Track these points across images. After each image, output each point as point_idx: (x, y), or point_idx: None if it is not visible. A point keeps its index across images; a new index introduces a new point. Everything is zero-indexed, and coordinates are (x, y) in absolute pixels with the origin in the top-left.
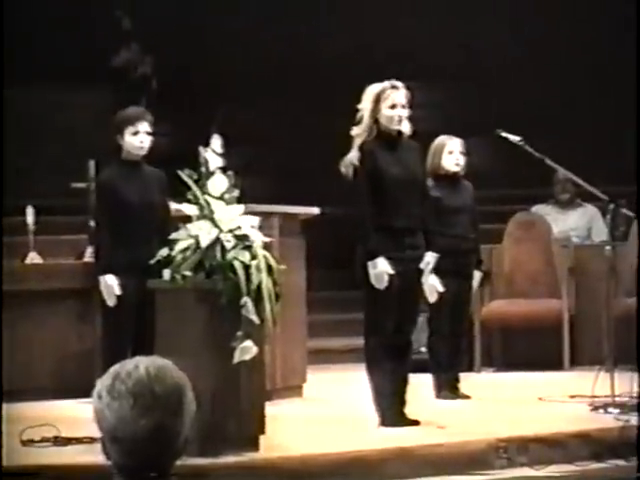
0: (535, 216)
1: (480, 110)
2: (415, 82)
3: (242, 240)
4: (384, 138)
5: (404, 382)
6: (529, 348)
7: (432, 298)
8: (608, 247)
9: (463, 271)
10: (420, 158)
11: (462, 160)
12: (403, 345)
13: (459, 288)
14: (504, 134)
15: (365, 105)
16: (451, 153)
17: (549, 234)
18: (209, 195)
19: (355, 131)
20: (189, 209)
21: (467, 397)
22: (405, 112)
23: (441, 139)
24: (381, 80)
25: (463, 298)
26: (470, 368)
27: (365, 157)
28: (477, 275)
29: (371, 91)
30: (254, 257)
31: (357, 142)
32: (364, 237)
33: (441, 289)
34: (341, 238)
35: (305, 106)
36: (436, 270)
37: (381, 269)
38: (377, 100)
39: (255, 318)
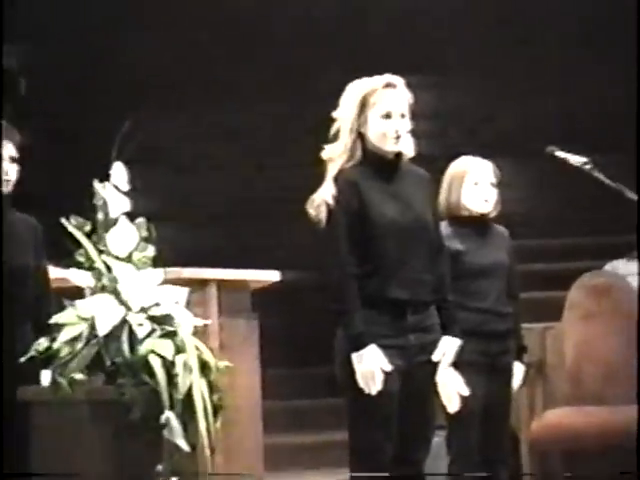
0: (611, 278)
1: (522, 118)
2: (421, 77)
3: (162, 324)
4: (374, 163)
5: None
6: (603, 476)
7: (452, 406)
8: None
9: (497, 364)
10: (429, 193)
11: (493, 195)
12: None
13: (492, 390)
14: (560, 153)
15: (344, 113)
16: (477, 184)
17: (633, 305)
18: (110, 255)
19: (329, 153)
20: (79, 277)
21: None
22: (406, 124)
23: (461, 163)
24: (369, 74)
25: (499, 405)
26: None
27: (345, 192)
28: (519, 370)
29: (353, 91)
30: (180, 350)
31: (332, 170)
32: (345, 315)
33: (465, 392)
34: (312, 317)
35: (251, 118)
36: (457, 363)
37: (372, 364)
38: (363, 105)
39: (183, 443)
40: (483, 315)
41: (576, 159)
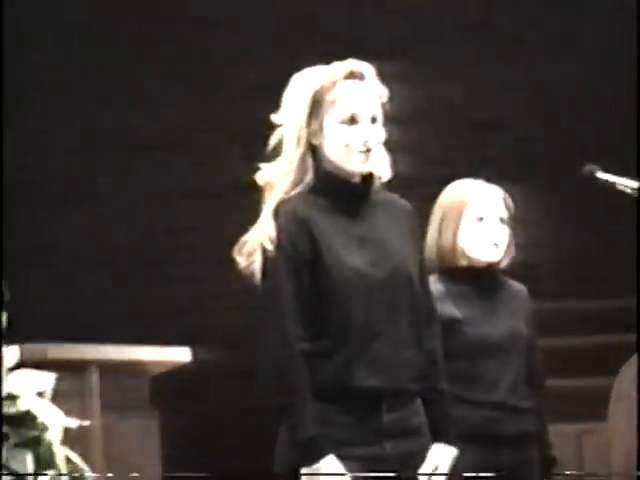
0: None
1: (545, 121)
2: (398, 64)
3: (18, 426)
4: (331, 190)
5: None
6: None
7: None
8: None
9: None
10: (412, 234)
11: (505, 236)
12: None
13: None
14: (603, 175)
15: (288, 117)
16: (481, 220)
17: None
18: None
19: (267, 175)
20: None
21: None
22: (378, 132)
23: (458, 190)
24: (323, 61)
25: None
26: None
27: (289, 232)
28: None
29: (302, 85)
30: (46, 464)
31: (271, 199)
32: (291, 411)
33: None
34: (239, 414)
35: (148, 123)
36: None
37: None
38: (315, 104)
39: None
40: (491, 411)
41: (625, 183)
